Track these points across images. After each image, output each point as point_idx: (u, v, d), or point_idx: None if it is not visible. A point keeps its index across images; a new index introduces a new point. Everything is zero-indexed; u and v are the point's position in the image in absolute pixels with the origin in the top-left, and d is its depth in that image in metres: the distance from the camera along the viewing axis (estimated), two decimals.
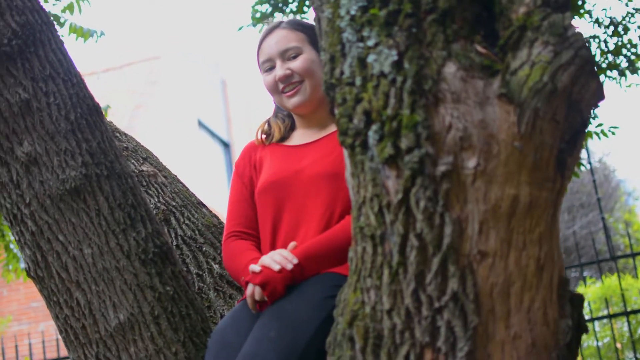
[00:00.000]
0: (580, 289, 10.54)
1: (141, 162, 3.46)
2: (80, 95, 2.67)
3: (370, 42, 1.80)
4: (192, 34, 19.37)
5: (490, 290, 1.70)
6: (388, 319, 1.76)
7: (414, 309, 1.72)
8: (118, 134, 3.56)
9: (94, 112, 2.69)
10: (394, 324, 1.75)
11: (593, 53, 7.15)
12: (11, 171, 2.58)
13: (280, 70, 2.61)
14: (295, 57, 2.62)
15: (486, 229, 1.70)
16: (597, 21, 7.12)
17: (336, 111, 1.86)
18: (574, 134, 1.78)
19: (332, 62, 1.87)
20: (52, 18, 7.20)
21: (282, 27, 2.68)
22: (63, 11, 7.35)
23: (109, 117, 8.30)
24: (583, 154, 14.10)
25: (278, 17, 7.31)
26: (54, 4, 7.42)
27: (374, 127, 1.75)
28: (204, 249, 3.28)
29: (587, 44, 1.75)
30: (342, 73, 1.84)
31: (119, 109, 15.30)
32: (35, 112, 2.58)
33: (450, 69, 1.74)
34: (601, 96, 1.78)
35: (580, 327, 1.83)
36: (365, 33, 1.81)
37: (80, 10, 7.40)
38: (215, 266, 3.21)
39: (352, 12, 1.84)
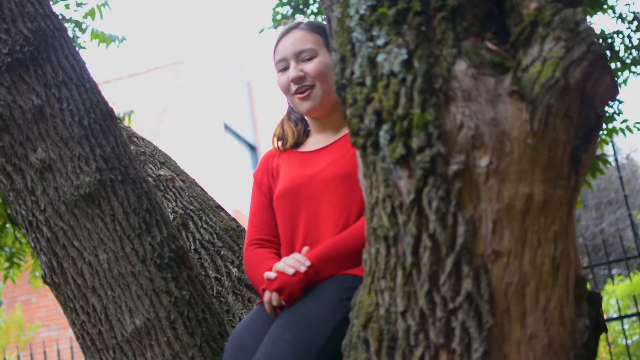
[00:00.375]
0: (608, 287, 10.47)
1: (159, 166, 3.46)
2: (94, 101, 2.67)
3: (380, 42, 1.78)
4: (216, 38, 19.37)
5: (505, 290, 1.68)
6: (402, 320, 1.74)
7: (428, 310, 1.70)
8: (135, 139, 3.56)
9: (108, 117, 2.68)
10: (408, 326, 1.73)
11: (617, 49, 7.08)
12: (26, 178, 2.58)
13: (293, 71, 2.60)
14: (310, 60, 2.61)
15: (500, 228, 1.68)
16: (620, 16, 7.06)
17: (347, 112, 1.84)
18: (589, 130, 1.76)
19: (343, 62, 1.86)
20: (74, 24, 7.29)
21: (300, 28, 2.67)
22: (85, 17, 7.42)
23: (134, 122, 8.32)
24: (610, 150, 13.98)
25: (299, 18, 7.30)
26: (75, 10, 7.48)
27: (385, 127, 1.74)
28: (222, 252, 3.27)
29: (599, 39, 1.72)
30: (352, 73, 1.82)
31: (145, 114, 15.38)
32: (48, 119, 2.58)
33: (460, 66, 1.72)
34: (615, 91, 1.76)
35: (598, 326, 1.81)
36: (374, 32, 1.79)
37: (101, 16, 7.46)
38: (234, 270, 3.20)
39: (361, 12, 1.82)
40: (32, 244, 2.62)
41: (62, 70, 2.63)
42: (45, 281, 2.64)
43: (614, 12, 7.06)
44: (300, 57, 2.62)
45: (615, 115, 6.92)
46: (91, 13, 7.41)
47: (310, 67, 2.59)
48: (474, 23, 1.77)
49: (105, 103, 2.73)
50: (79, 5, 7.50)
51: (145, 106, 15.80)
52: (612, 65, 7.10)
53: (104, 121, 2.66)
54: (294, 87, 2.61)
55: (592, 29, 1.72)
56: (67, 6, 7.44)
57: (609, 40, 7.12)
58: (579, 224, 17.94)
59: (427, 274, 1.69)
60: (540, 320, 1.71)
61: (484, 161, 1.68)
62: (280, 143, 2.75)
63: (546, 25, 1.71)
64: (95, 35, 7.40)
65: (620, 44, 7.10)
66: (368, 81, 1.78)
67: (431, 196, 1.68)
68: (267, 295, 2.35)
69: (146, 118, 15.41)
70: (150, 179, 3.36)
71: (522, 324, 1.69)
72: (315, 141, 2.68)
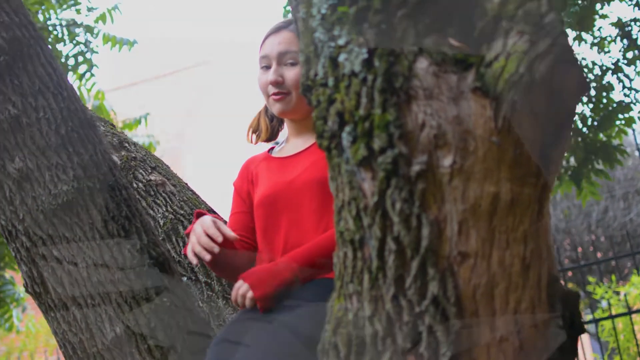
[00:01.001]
0: (634, 278, 10.36)
1: (149, 171, 3.44)
2: (72, 109, 2.65)
3: (341, 41, 1.74)
4: (242, 38, 19.48)
5: (473, 292, 1.64)
6: (370, 325, 1.70)
7: (394, 314, 1.66)
8: (127, 144, 3.55)
9: (86, 125, 2.66)
10: (375, 331, 1.69)
11: (634, 37, 7.01)
12: (4, 188, 2.57)
13: (272, 75, 2.56)
14: (292, 65, 2.57)
15: (466, 229, 1.64)
16: (637, 4, 7.00)
17: (313, 114, 1.81)
18: (558, 126, 1.71)
19: (307, 63, 1.82)
20: (85, 29, 7.32)
21: (289, 29, 2.63)
22: (96, 21, 7.48)
23: (161, 124, 8.32)
24: (631, 140, 13.81)
25: None
26: (86, 15, 7.54)
27: (347, 128, 1.70)
28: None
29: (565, 31, 1.67)
30: (316, 74, 1.79)
31: (171, 115, 15.47)
32: (25, 128, 2.56)
33: (422, 64, 1.68)
34: (584, 85, 1.71)
35: (574, 327, 1.76)
36: (336, 32, 1.75)
37: (112, 20, 7.52)
38: None
39: (323, 11, 1.78)
40: (14, 254, 2.61)
41: (39, 78, 2.61)
42: (27, 291, 2.63)
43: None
44: (283, 59, 2.58)
45: (632, 105, 6.86)
46: (102, 17, 7.48)
47: (290, 74, 2.56)
48: (437, 20, 1.72)
49: (84, 110, 2.71)
50: (89, 10, 7.57)
51: (171, 108, 15.88)
52: (630, 54, 7.03)
53: (82, 129, 2.63)
54: (271, 90, 2.57)
55: (558, 22, 1.67)
56: (78, 11, 7.50)
57: (627, 29, 7.05)
58: (607, 215, 17.78)
59: (393, 278, 1.66)
60: (510, 322, 1.66)
61: (447, 161, 1.64)
62: (254, 136, 2.74)
63: (510, 18, 1.67)
64: (107, 39, 7.48)
65: (638, 32, 7.03)
66: (330, 82, 1.74)
67: (394, 198, 1.64)
68: (238, 284, 2.31)
69: (172, 120, 15.49)
70: (140, 184, 3.34)
71: (491, 327, 1.65)
72: (293, 146, 2.65)
